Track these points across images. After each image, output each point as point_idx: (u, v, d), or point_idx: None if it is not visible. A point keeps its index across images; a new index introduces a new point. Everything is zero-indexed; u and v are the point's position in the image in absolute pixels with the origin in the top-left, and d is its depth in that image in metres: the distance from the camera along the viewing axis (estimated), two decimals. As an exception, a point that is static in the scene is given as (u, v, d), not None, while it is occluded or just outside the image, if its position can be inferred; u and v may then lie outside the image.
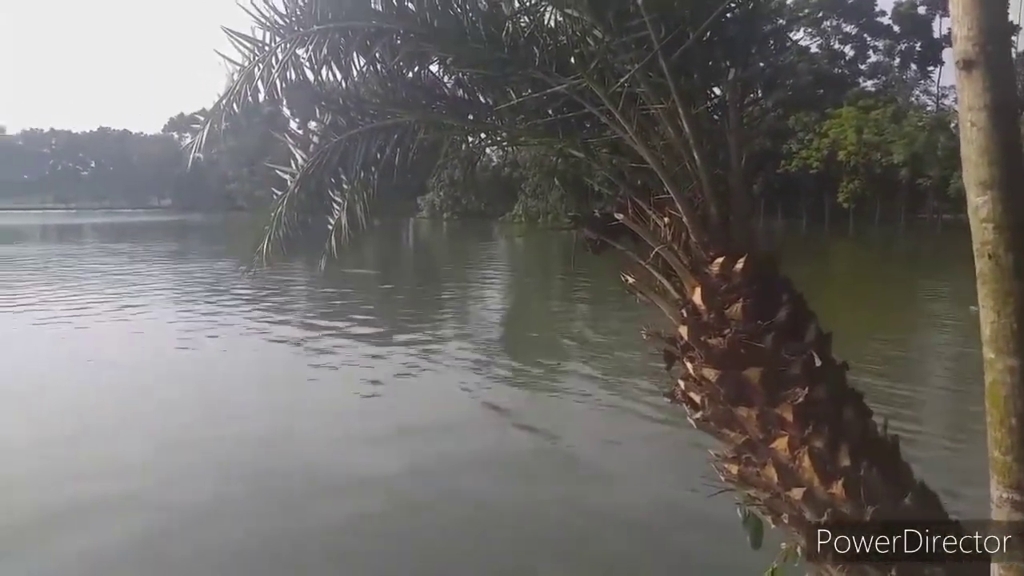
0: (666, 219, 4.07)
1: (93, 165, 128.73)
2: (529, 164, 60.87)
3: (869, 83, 76.77)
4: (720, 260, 3.89)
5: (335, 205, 6.06)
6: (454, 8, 4.27)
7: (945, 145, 63.21)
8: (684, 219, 3.96)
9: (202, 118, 5.99)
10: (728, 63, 3.97)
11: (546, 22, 4.21)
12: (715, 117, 4.17)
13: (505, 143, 5.24)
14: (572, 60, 3.91)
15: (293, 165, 5.87)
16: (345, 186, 5.86)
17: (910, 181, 64.24)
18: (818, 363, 3.73)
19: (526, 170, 66.38)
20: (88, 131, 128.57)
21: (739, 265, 3.85)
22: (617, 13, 3.67)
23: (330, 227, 6.19)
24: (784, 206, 71.19)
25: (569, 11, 3.95)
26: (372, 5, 4.53)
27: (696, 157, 3.86)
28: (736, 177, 3.95)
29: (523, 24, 4.20)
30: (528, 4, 4.21)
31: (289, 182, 5.87)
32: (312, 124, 6.14)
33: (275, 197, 5.99)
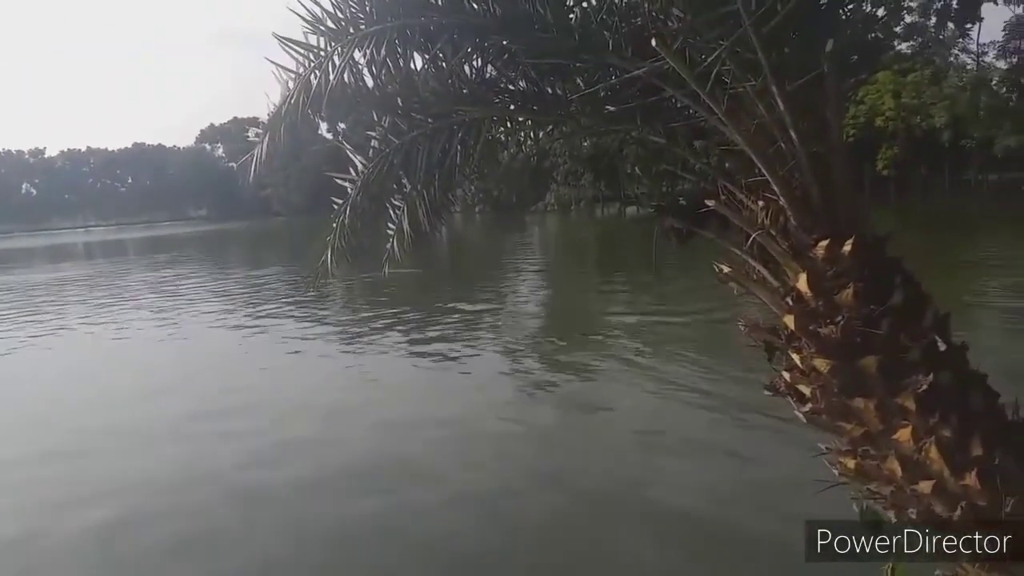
0: (761, 203, 3.84)
1: (130, 181, 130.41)
2: (559, 152, 60.15)
3: (904, 46, 74.23)
4: (825, 243, 3.65)
5: (396, 210, 5.93)
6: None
7: (988, 104, 61.23)
8: (782, 202, 3.73)
9: (257, 128, 5.90)
10: (824, 33, 3.72)
11: (618, 2, 4.00)
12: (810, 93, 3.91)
13: (576, 134, 5.04)
14: (652, 42, 3.68)
15: (353, 172, 5.74)
16: (407, 189, 5.71)
17: (953, 143, 62.29)
18: (942, 347, 3.49)
19: (556, 158, 65.49)
20: (124, 147, 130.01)
21: (847, 248, 3.60)
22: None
23: (390, 232, 6.07)
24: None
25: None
26: None
27: (793, 136, 3.62)
28: (838, 154, 3.70)
29: (592, 6, 4.00)
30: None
31: (349, 189, 5.75)
32: (342, 125, 5.99)
33: (335, 206, 5.88)
